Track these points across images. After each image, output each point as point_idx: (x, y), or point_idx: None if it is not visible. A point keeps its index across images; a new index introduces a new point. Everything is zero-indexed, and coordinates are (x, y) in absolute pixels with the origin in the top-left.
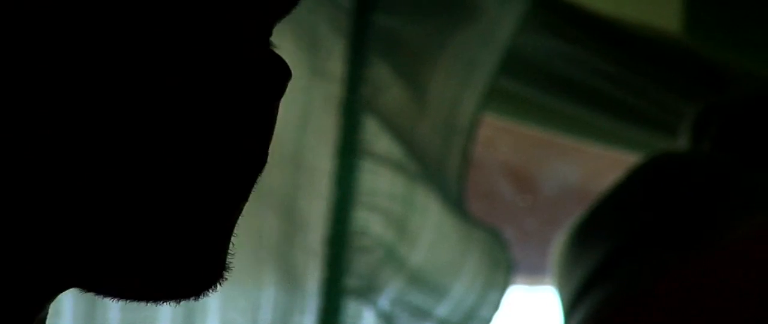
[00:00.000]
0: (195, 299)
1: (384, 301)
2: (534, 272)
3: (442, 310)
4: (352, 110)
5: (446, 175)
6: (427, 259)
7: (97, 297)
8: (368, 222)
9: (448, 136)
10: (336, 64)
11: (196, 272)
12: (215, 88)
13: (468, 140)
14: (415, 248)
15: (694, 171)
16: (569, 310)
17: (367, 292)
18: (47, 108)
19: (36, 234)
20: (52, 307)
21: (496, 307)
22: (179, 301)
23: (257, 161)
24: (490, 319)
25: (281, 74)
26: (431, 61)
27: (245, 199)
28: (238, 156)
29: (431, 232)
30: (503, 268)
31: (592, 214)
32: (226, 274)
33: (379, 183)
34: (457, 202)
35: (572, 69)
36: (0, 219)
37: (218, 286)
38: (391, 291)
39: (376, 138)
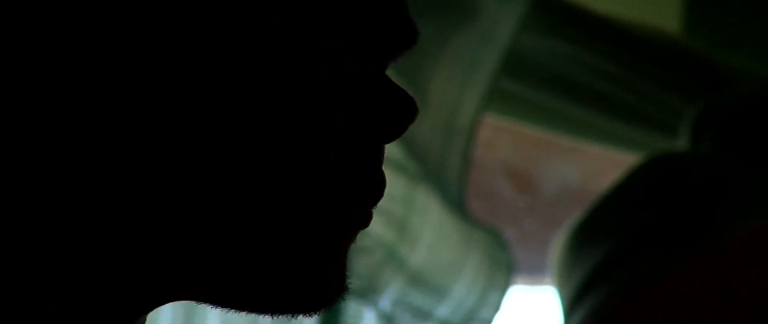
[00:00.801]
0: (322, 312)
1: (384, 302)
2: (534, 272)
3: (442, 310)
4: None
5: (446, 175)
6: (428, 260)
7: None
8: None
9: (448, 136)
10: None
11: (326, 286)
12: (356, 123)
13: (468, 140)
14: (415, 249)
15: (694, 171)
16: (569, 310)
17: (368, 293)
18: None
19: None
20: None
21: (496, 308)
22: (311, 314)
23: (377, 187)
24: (490, 320)
25: (409, 110)
26: (432, 62)
27: (365, 222)
28: (363, 184)
29: (431, 232)
30: (503, 268)
31: (591, 214)
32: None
33: None
34: (457, 202)
35: (572, 69)
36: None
37: (343, 298)
38: (392, 291)
39: None
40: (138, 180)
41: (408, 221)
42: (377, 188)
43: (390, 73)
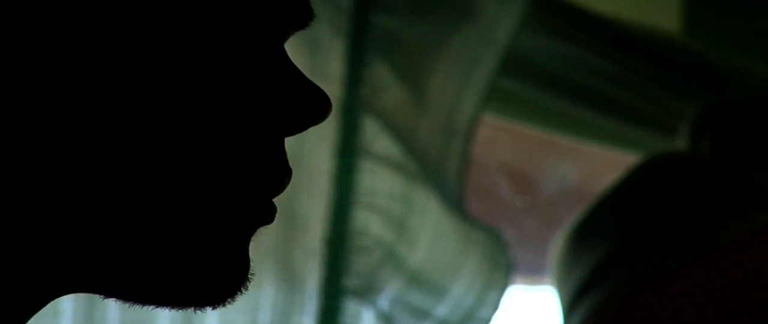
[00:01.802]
0: (225, 304)
1: (383, 301)
2: (533, 272)
3: (441, 310)
4: (352, 110)
5: (446, 175)
6: (427, 259)
7: (103, 299)
8: (368, 222)
9: (447, 136)
10: (336, 64)
11: (225, 278)
12: (257, 108)
13: (468, 140)
14: (414, 248)
15: (694, 171)
16: (569, 310)
17: (367, 292)
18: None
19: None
20: (52, 307)
21: (495, 307)
22: (212, 307)
23: (282, 178)
24: (489, 319)
25: (320, 103)
26: (431, 61)
27: (269, 214)
28: (266, 169)
29: (431, 232)
30: (503, 268)
31: (591, 214)
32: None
33: (379, 183)
34: (456, 202)
35: (572, 69)
36: (15, 217)
37: (244, 290)
38: (391, 291)
39: (376, 138)
40: (33, 177)
41: (407, 221)
42: (279, 180)
43: (390, 72)
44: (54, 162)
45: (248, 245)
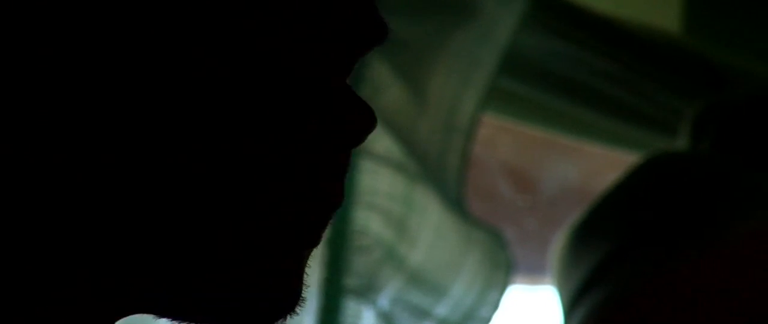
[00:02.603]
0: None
1: (383, 301)
2: (534, 272)
3: (441, 309)
4: None
5: (446, 174)
6: (427, 259)
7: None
8: (368, 221)
9: (447, 135)
10: None
11: (277, 299)
12: (303, 130)
13: (468, 140)
14: (414, 248)
15: (694, 171)
16: (569, 310)
17: (367, 292)
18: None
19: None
20: None
21: (495, 307)
22: None
23: (335, 201)
24: (489, 319)
25: (368, 124)
26: (431, 61)
27: (320, 233)
28: (317, 195)
29: (431, 231)
30: (503, 267)
31: (591, 214)
32: (301, 301)
33: (379, 183)
34: (456, 201)
35: (572, 69)
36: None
37: (296, 312)
38: (391, 290)
39: (376, 138)
40: (109, 194)
41: (407, 220)
42: (334, 199)
43: (390, 72)
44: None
45: (301, 266)
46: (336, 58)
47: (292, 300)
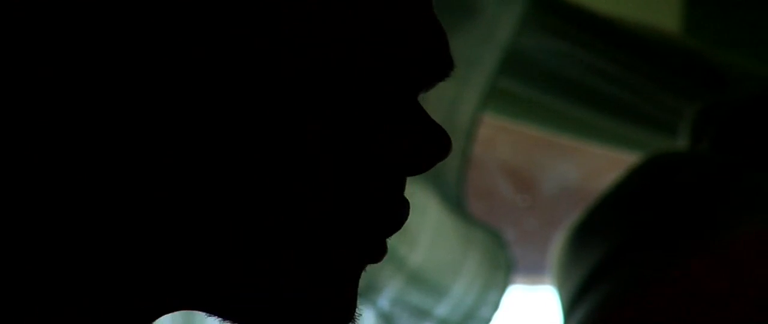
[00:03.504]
0: None
1: (384, 301)
2: (534, 272)
3: (441, 309)
4: None
5: (446, 174)
6: (427, 259)
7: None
8: None
9: None
10: None
11: (332, 314)
12: (379, 151)
13: (467, 140)
14: (414, 248)
15: (694, 171)
16: (569, 310)
17: (367, 292)
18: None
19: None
20: None
21: (495, 307)
22: None
23: (400, 220)
24: (489, 319)
25: (443, 150)
26: None
27: (382, 251)
28: (385, 213)
29: (431, 232)
30: (503, 267)
31: (591, 214)
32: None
33: None
34: (456, 201)
35: (572, 69)
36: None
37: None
38: (391, 291)
39: None
40: (150, 191)
41: (407, 221)
42: (397, 218)
43: None
44: (170, 186)
45: (357, 284)
46: (404, 81)
47: (348, 313)
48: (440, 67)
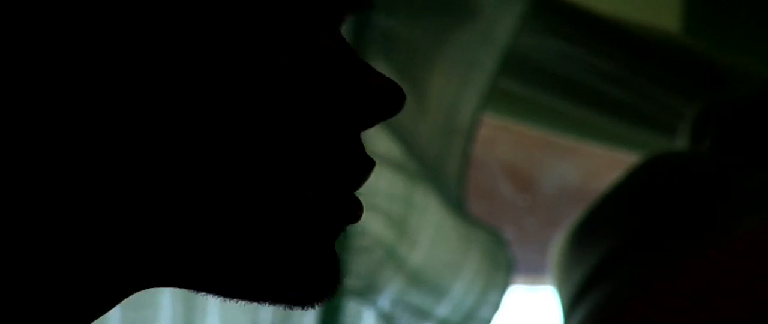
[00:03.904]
0: (316, 305)
1: (384, 301)
2: (534, 272)
3: (442, 310)
4: None
5: (446, 174)
6: (427, 259)
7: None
8: (368, 222)
9: (447, 135)
10: None
11: (315, 278)
12: (327, 108)
13: (468, 140)
14: (415, 248)
15: (694, 171)
16: (569, 310)
17: (367, 292)
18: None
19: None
20: None
21: (496, 307)
22: (303, 307)
23: (362, 168)
24: (490, 319)
25: (397, 95)
26: (431, 61)
27: (356, 206)
28: (344, 163)
29: (431, 232)
30: (503, 268)
31: (591, 214)
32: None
33: (379, 183)
34: (457, 201)
35: (572, 69)
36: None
37: (335, 292)
38: (391, 291)
39: (376, 138)
40: (135, 177)
41: (407, 221)
42: (358, 172)
43: (390, 72)
44: (141, 158)
45: (334, 245)
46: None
47: (335, 280)
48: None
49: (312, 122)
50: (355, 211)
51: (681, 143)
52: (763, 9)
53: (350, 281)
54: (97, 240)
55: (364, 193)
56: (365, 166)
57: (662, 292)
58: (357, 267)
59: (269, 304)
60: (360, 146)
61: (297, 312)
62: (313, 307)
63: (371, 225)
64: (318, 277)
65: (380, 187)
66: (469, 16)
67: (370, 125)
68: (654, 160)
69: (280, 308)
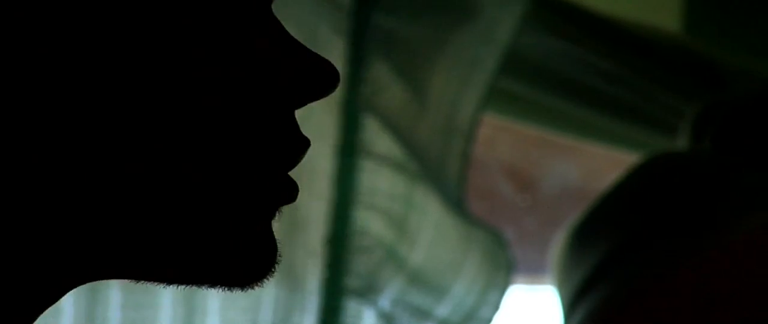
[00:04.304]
0: (256, 285)
1: (384, 301)
2: (534, 272)
3: (442, 310)
4: (353, 110)
5: (446, 174)
6: (428, 259)
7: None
8: (368, 222)
9: (448, 135)
10: (336, 63)
11: (252, 259)
12: (273, 83)
13: (468, 140)
14: (415, 248)
15: (694, 171)
16: (569, 310)
17: (368, 292)
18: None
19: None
20: (53, 307)
21: (496, 307)
22: (242, 288)
23: (296, 147)
24: (490, 319)
25: (329, 74)
26: (431, 61)
27: (290, 187)
28: (277, 142)
29: (431, 231)
30: (503, 268)
31: (591, 214)
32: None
33: (380, 183)
34: (457, 201)
35: (572, 69)
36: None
37: (273, 271)
38: (392, 291)
39: (376, 138)
40: (61, 170)
41: (408, 221)
42: (292, 151)
43: (390, 72)
44: (66, 154)
45: (270, 225)
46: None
47: (271, 259)
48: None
49: (241, 104)
50: (290, 192)
51: (681, 143)
52: (763, 9)
53: (350, 281)
54: (32, 234)
55: (364, 192)
56: (299, 145)
57: (662, 292)
58: (357, 267)
59: (207, 286)
60: (294, 126)
61: (296, 311)
62: (252, 288)
63: (371, 225)
64: (254, 258)
65: (380, 187)
66: (470, 16)
67: (302, 104)
68: (654, 160)
69: (279, 308)
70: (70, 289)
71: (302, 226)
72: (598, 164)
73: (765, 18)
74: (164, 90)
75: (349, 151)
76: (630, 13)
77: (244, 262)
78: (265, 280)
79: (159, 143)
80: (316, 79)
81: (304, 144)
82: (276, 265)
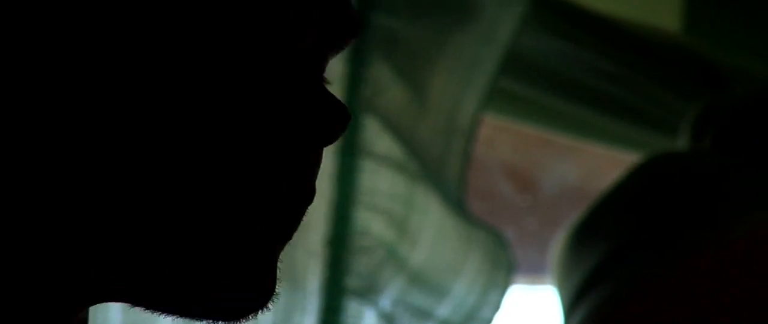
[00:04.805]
0: (246, 319)
1: (385, 301)
2: (534, 272)
3: (443, 310)
4: (353, 110)
5: (447, 175)
6: (428, 259)
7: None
8: (369, 222)
9: (448, 136)
10: (336, 64)
11: (248, 294)
12: (276, 128)
13: (468, 140)
14: (415, 248)
15: (694, 171)
16: (569, 310)
17: (368, 292)
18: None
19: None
20: None
21: (496, 307)
22: (240, 320)
23: (307, 195)
24: (491, 319)
25: (342, 120)
26: (431, 61)
27: (293, 229)
28: (290, 192)
29: (432, 232)
30: (504, 268)
31: (591, 214)
32: (275, 296)
33: (380, 183)
34: (457, 202)
35: (572, 69)
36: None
37: (268, 307)
38: (392, 291)
39: (377, 138)
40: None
41: (408, 221)
42: (307, 195)
43: (390, 72)
44: (73, 175)
45: (274, 261)
46: (310, 54)
47: (264, 296)
48: (346, 27)
49: (258, 140)
50: (289, 231)
51: (681, 143)
52: (763, 9)
53: (351, 281)
54: (30, 261)
55: (365, 193)
56: (305, 197)
57: (662, 292)
58: (358, 267)
59: (198, 319)
60: (306, 176)
61: (297, 311)
62: (247, 319)
63: (372, 225)
64: (251, 290)
65: (381, 187)
66: (470, 17)
67: (319, 148)
68: (654, 160)
69: (280, 308)
70: (71, 314)
71: (303, 226)
72: (598, 164)
73: (765, 18)
74: (176, 125)
75: (349, 152)
76: (630, 13)
77: (239, 293)
78: (258, 312)
79: (172, 180)
80: (328, 125)
81: (309, 194)
82: (266, 303)
